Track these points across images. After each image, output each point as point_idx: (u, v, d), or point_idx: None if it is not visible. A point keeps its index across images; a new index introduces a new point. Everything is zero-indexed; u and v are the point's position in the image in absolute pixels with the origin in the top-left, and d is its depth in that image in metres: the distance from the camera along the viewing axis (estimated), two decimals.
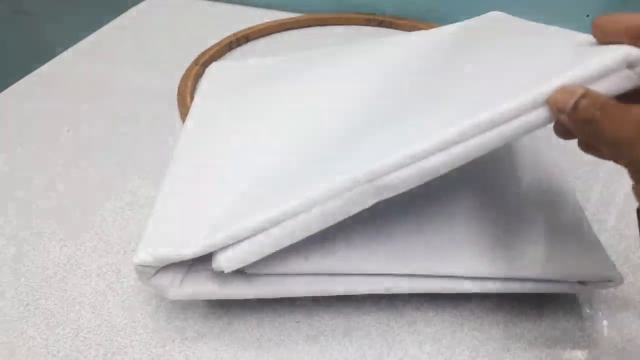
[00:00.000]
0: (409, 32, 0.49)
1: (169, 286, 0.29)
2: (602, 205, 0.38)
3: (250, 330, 0.31)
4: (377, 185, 0.26)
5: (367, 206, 0.27)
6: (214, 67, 0.47)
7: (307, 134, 0.34)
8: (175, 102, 0.49)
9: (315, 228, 0.27)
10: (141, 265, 0.28)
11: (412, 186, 0.26)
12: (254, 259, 0.27)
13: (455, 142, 0.25)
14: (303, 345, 0.30)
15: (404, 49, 0.41)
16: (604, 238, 0.32)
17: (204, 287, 0.29)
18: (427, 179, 0.26)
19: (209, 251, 0.27)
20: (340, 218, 0.27)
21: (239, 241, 0.27)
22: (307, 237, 0.27)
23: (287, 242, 0.27)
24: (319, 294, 0.30)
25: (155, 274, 0.29)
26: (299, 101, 0.38)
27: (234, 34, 0.57)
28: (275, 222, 0.26)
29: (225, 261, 0.27)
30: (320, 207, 0.26)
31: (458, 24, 0.44)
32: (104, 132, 0.46)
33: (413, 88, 0.34)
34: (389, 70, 0.38)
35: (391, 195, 0.27)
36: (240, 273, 0.29)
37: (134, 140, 0.45)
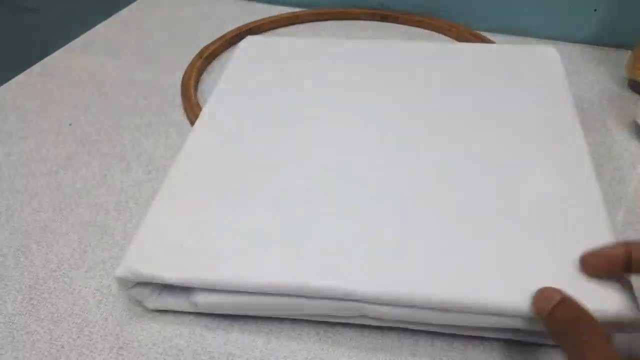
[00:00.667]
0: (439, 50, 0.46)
1: (148, 296, 0.30)
2: None
3: (261, 324, 0.30)
4: (364, 309, 0.28)
5: (347, 320, 0.29)
6: (246, 42, 0.47)
7: (317, 186, 0.33)
8: (179, 96, 0.49)
9: (288, 314, 0.29)
10: (121, 278, 0.29)
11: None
12: (228, 312, 0.30)
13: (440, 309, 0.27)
14: (315, 340, 0.30)
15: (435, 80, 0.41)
16: None
17: (182, 301, 0.30)
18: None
19: (188, 285, 0.28)
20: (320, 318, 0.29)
21: (219, 291, 0.28)
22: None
23: (263, 314, 0.30)
24: (290, 316, 0.30)
25: (135, 285, 0.29)
26: (317, 136, 0.37)
27: (238, 28, 0.57)
28: (259, 291, 0.28)
29: (203, 304, 0.29)
30: (302, 302, 0.28)
31: (502, 51, 0.44)
32: (107, 125, 0.46)
33: (434, 159, 0.34)
34: (412, 123, 0.38)
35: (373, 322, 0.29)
36: (217, 291, 0.29)
37: (137, 133, 0.45)
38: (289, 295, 0.28)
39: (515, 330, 0.28)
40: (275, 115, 0.39)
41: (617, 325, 0.25)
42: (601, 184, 0.38)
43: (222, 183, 0.33)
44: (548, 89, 0.40)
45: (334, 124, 0.38)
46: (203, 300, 0.29)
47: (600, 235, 0.29)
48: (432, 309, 0.27)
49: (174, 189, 0.33)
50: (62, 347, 0.29)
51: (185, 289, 0.30)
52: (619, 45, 0.55)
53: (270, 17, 0.58)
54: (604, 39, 0.55)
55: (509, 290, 0.26)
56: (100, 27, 0.61)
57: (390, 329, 0.30)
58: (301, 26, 0.60)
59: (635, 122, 0.43)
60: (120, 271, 0.29)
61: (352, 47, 0.45)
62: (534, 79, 0.41)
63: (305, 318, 0.30)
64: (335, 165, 0.34)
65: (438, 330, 0.29)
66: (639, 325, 0.25)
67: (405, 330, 0.30)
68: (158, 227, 0.31)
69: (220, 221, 0.31)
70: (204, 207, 0.32)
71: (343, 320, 0.30)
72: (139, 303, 0.31)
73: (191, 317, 0.31)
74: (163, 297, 0.30)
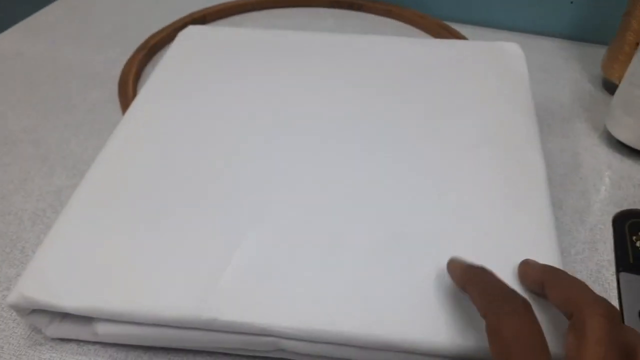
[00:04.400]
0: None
1: (47, 324, 0.27)
2: None
3: (173, 356, 0.27)
4: (280, 344, 0.25)
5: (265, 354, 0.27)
6: (185, 32, 0.43)
7: (241, 205, 0.29)
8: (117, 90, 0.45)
9: (199, 347, 0.27)
10: (14, 305, 0.26)
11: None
12: (132, 343, 0.27)
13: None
14: None
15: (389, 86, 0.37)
16: None
17: (84, 330, 0.27)
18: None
19: (87, 315, 0.26)
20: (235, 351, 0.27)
21: (122, 322, 0.26)
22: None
23: (171, 346, 0.27)
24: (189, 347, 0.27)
25: (31, 312, 0.26)
26: (250, 149, 0.33)
27: (190, 15, 0.53)
28: (163, 323, 0.25)
29: (104, 335, 0.26)
30: (214, 335, 0.25)
31: (463, 48, 0.41)
32: (35, 122, 0.42)
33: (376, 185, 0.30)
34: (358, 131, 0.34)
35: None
36: (119, 321, 0.26)
37: (67, 133, 0.41)
38: (197, 329, 0.25)
39: None
40: (207, 116, 0.35)
41: None
42: (564, 197, 0.36)
43: (138, 196, 0.30)
44: (508, 91, 0.36)
45: (270, 127, 0.34)
46: (104, 330, 0.26)
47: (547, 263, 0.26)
48: (352, 345, 0.24)
49: (83, 202, 0.30)
50: None
51: (87, 318, 0.26)
52: (596, 41, 0.51)
53: (222, 4, 0.54)
54: (581, 33, 0.52)
55: (437, 328, 0.24)
56: (43, 12, 0.56)
57: None
58: (260, 13, 0.56)
59: (605, 128, 0.40)
60: (12, 298, 0.26)
61: (299, 40, 0.41)
62: (494, 79, 0.37)
63: (219, 351, 0.27)
64: (266, 178, 0.31)
65: None
66: None
67: None
68: (59, 248, 0.27)
69: (129, 243, 0.27)
70: (113, 225, 0.28)
71: (261, 354, 0.27)
72: (39, 330, 0.28)
73: (96, 346, 0.28)
74: (64, 325, 0.27)
